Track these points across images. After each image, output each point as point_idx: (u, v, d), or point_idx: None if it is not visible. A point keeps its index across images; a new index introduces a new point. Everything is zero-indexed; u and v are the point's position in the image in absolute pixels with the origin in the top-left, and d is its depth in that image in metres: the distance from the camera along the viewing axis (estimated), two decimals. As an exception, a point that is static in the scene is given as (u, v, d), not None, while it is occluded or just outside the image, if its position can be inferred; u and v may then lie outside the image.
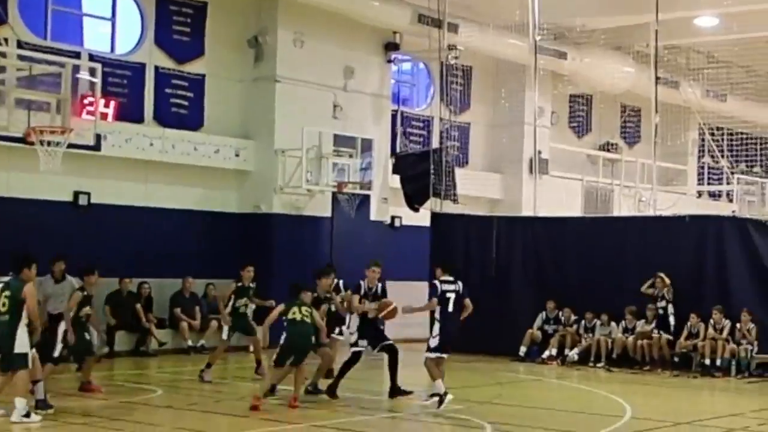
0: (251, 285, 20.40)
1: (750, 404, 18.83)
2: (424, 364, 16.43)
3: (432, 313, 16.89)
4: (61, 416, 15.15)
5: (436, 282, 16.78)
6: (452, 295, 16.59)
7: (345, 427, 14.97)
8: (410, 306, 17.23)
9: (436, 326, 16.59)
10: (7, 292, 14.83)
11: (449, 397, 16.05)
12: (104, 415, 15.39)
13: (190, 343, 24.84)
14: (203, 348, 24.66)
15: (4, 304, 14.76)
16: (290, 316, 16.63)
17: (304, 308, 16.74)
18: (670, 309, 23.78)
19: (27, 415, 14.51)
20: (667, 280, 23.69)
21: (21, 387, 14.67)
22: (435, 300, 16.58)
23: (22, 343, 14.66)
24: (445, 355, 16.64)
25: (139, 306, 24.41)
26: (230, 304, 20.05)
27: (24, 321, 14.74)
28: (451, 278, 16.81)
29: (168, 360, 23.36)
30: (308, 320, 16.67)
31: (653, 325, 23.95)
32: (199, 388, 18.93)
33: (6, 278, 15.11)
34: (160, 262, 25.25)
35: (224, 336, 20.11)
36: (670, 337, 23.72)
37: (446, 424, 15.67)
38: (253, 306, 20.97)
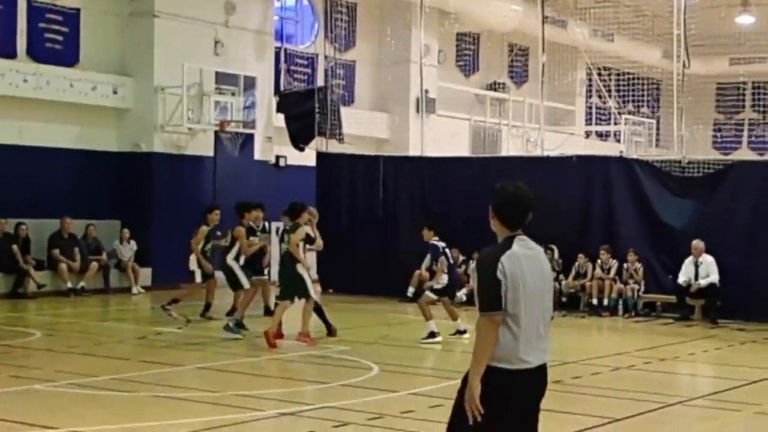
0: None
1: (636, 343, 18.99)
2: (421, 302, 18.21)
3: None
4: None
5: (436, 243, 18.55)
6: (447, 250, 18.70)
7: (231, 369, 14.62)
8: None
9: (444, 277, 18.58)
10: None
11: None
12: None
13: (69, 285, 24.18)
14: (83, 290, 24.11)
15: None
16: None
17: None
18: None
19: None
20: None
21: None
22: (443, 258, 18.51)
23: None
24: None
25: (15, 247, 23.73)
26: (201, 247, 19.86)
27: None
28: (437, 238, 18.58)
29: (47, 302, 22.76)
30: None
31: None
32: (78, 331, 18.45)
33: None
34: (37, 203, 24.45)
35: (199, 280, 19.98)
36: None
37: (333, 365, 15.46)
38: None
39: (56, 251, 24.45)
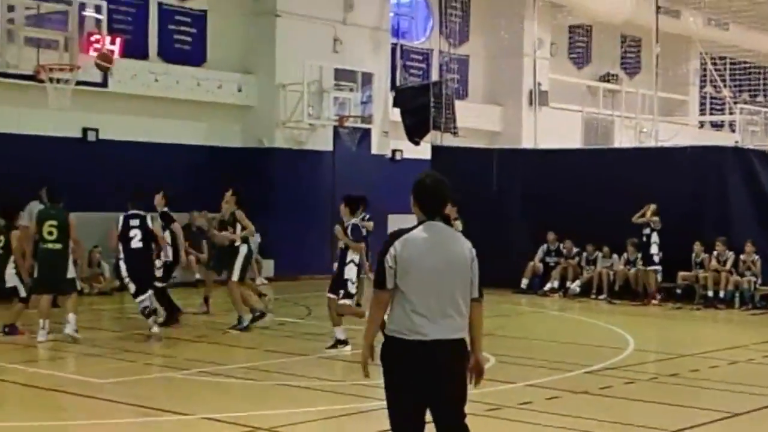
0: None
1: (753, 336, 18.80)
2: (338, 309, 15.52)
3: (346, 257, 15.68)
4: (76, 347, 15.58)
5: (357, 222, 15.87)
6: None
7: (352, 359, 15.15)
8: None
9: (354, 270, 15.53)
10: (53, 221, 15.91)
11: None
12: (116, 347, 15.66)
13: (198, 276, 24.94)
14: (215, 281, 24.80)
15: (50, 233, 15.80)
16: None
17: None
18: (654, 238, 23.82)
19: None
20: (652, 206, 23.66)
21: (72, 307, 16.01)
22: (363, 243, 15.90)
23: (71, 269, 16.18)
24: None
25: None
26: None
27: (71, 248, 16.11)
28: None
29: (177, 293, 23.25)
30: None
31: (638, 255, 24.09)
32: (205, 321, 19.14)
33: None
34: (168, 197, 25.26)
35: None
36: (656, 267, 23.84)
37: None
38: None
39: (185, 244, 25.15)
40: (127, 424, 10.74)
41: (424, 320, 6.82)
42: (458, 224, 17.29)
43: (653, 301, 23.40)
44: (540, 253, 25.71)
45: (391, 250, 6.89)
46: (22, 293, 16.57)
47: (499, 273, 25.30)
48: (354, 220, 15.85)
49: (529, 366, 14.79)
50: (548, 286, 25.12)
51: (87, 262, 23.02)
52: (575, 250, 25.23)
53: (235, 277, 17.76)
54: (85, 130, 24.70)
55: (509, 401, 11.93)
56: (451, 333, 6.89)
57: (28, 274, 16.60)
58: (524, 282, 25.45)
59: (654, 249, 23.70)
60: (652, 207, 23.59)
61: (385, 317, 7.01)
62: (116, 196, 22.37)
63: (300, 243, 26.76)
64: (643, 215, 23.75)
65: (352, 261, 15.52)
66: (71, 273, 16.31)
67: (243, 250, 18.01)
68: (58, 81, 19.94)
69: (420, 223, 7.02)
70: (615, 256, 24.64)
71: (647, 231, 23.81)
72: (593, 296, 24.35)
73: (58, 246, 16.03)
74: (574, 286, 24.74)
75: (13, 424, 10.55)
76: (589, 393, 12.72)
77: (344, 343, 15.45)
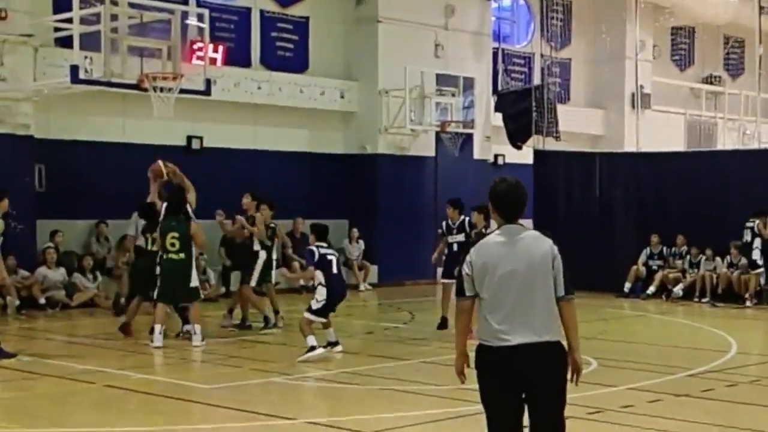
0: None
1: None
2: (300, 321, 15.48)
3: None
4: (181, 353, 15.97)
5: (313, 248, 15.43)
6: (333, 258, 15.41)
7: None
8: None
9: (322, 291, 15.26)
10: (175, 233, 16.51)
11: (320, 351, 15.25)
12: (223, 353, 16.00)
13: (302, 282, 25.19)
14: (313, 287, 25.01)
15: (173, 245, 16.40)
16: None
17: None
18: (756, 243, 23.62)
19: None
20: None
21: (196, 315, 16.79)
22: (312, 268, 15.38)
23: (194, 277, 16.80)
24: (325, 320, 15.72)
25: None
26: None
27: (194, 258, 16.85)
28: (325, 244, 15.66)
29: (281, 299, 23.61)
30: None
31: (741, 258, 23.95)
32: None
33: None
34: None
35: None
36: (759, 271, 23.61)
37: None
38: None
39: (289, 250, 25.58)
40: (232, 428, 10.95)
41: (505, 325, 6.86)
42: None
43: (747, 304, 23.23)
44: (643, 257, 25.62)
45: (468, 257, 7.00)
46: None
47: (602, 277, 25.42)
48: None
49: (630, 369, 14.77)
50: (651, 289, 25.02)
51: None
52: (685, 248, 25.07)
53: (253, 282, 18.23)
54: (189, 138, 25.13)
55: (611, 404, 11.95)
56: (537, 336, 6.87)
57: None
58: (627, 286, 25.38)
59: (756, 254, 23.55)
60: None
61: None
62: (221, 203, 23.03)
63: (403, 248, 27.00)
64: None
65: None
66: (195, 282, 16.81)
67: (263, 255, 18.38)
68: (162, 90, 20.17)
69: (497, 228, 7.10)
70: (718, 259, 24.48)
71: (749, 236, 23.66)
72: (696, 300, 24.21)
73: (181, 256, 16.51)
74: (677, 289, 24.62)
75: (121, 430, 10.81)
76: (690, 396, 12.71)
77: None
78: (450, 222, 18.84)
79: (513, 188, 7.09)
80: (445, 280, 18.60)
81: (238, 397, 12.45)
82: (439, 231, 19.23)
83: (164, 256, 16.66)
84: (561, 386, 7.02)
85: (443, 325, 18.28)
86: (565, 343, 7.08)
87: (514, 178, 7.15)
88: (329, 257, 15.31)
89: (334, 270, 15.33)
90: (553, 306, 6.98)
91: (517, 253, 6.95)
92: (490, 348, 6.90)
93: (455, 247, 18.60)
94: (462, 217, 18.72)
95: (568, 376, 7.10)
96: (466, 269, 7.00)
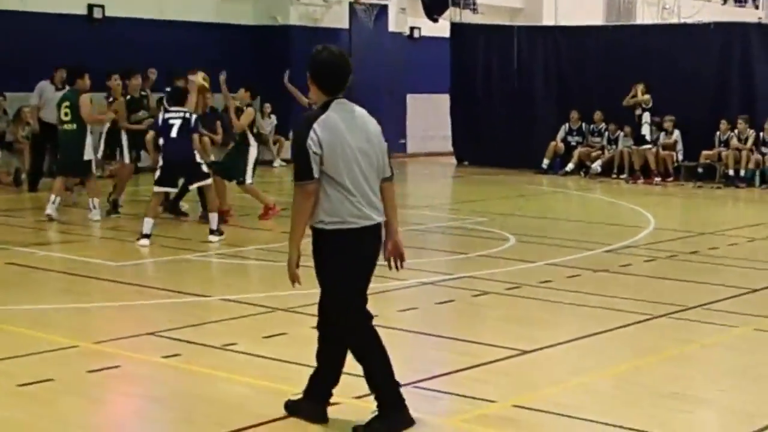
0: None
1: (774, 214, 18.73)
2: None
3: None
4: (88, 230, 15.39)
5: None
6: (176, 122, 14.52)
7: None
8: None
9: (160, 158, 14.74)
10: (66, 103, 16.01)
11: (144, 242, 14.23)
12: (133, 229, 15.43)
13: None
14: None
15: (66, 114, 15.94)
16: None
17: None
18: (645, 117, 23.50)
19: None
20: (640, 86, 23.36)
21: (93, 189, 16.36)
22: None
23: (88, 151, 16.16)
24: (171, 190, 15.25)
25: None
26: None
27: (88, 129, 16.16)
28: (178, 108, 14.75)
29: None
30: None
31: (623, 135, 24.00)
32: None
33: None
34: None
35: None
36: (648, 146, 23.60)
37: (470, 235, 15.68)
38: None
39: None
40: (143, 306, 10.59)
41: (363, 204, 6.50)
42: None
43: (656, 180, 23.25)
44: (562, 133, 25.36)
45: (312, 134, 6.39)
46: None
47: (521, 153, 25.29)
48: None
49: (549, 245, 14.67)
50: (569, 166, 24.79)
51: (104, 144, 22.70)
52: (603, 125, 24.83)
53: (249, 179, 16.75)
54: (90, 7, 24.17)
55: (529, 280, 11.85)
56: (380, 215, 6.64)
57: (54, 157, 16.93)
58: (545, 162, 25.17)
59: (645, 129, 23.44)
60: (640, 87, 23.33)
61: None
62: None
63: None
64: (634, 95, 23.50)
65: None
66: (88, 155, 16.25)
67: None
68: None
69: (326, 104, 6.53)
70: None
71: (638, 111, 23.53)
72: (614, 176, 24.04)
73: (73, 126, 16.05)
74: (596, 165, 24.43)
75: (26, 308, 10.42)
76: (609, 271, 12.65)
77: None
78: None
79: (337, 57, 6.56)
80: None
81: (148, 274, 12.17)
82: None
83: (58, 128, 16.30)
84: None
85: None
86: None
87: (337, 48, 6.63)
88: (171, 121, 14.53)
89: (172, 134, 14.46)
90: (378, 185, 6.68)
91: (358, 129, 6.55)
92: (351, 231, 6.50)
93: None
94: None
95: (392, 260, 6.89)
96: (313, 147, 6.41)
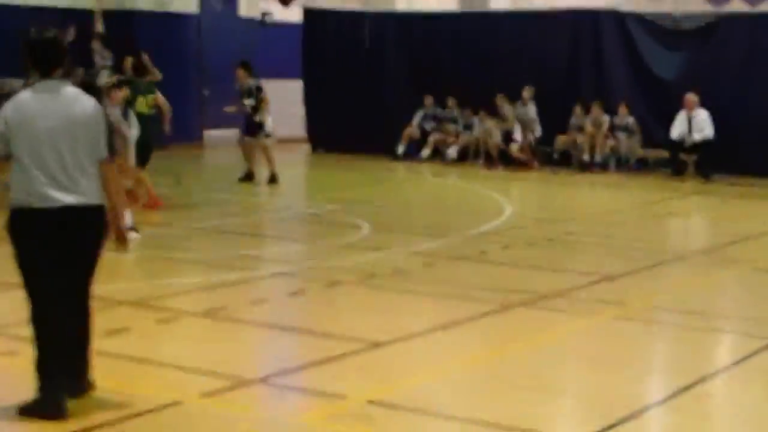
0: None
1: (629, 199, 18.92)
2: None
3: None
4: None
5: None
6: None
7: (223, 230, 14.63)
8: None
9: None
10: None
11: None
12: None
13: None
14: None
15: None
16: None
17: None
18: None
19: None
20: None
21: None
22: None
23: None
24: None
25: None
26: None
27: None
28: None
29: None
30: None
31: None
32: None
33: None
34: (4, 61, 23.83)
35: None
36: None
37: (322, 224, 15.40)
38: None
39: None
40: None
41: (49, 186, 6.48)
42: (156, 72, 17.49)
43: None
44: (417, 118, 25.14)
45: (1, 112, 6.56)
46: None
47: (375, 140, 24.99)
48: None
49: (404, 233, 14.45)
50: (425, 152, 24.59)
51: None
52: (456, 112, 24.67)
53: None
54: None
55: (384, 269, 11.59)
56: (82, 198, 6.58)
57: None
58: (401, 148, 24.89)
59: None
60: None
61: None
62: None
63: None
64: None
65: None
66: None
67: None
68: None
69: (34, 83, 6.66)
70: (490, 122, 24.07)
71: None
72: (470, 162, 23.90)
73: None
74: (451, 151, 24.26)
75: None
76: (465, 259, 12.44)
77: None
78: (237, 84, 19.70)
79: (50, 40, 6.68)
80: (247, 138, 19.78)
81: None
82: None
83: None
84: (95, 255, 6.80)
85: (249, 177, 19.41)
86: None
87: (53, 30, 6.76)
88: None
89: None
90: (95, 167, 6.68)
91: (57, 110, 6.56)
92: (31, 211, 6.52)
93: (248, 109, 19.53)
94: (252, 80, 19.63)
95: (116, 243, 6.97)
96: (1, 125, 6.52)
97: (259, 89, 19.63)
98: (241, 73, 19.65)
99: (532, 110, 23.52)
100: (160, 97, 16.77)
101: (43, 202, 6.48)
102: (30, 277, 6.63)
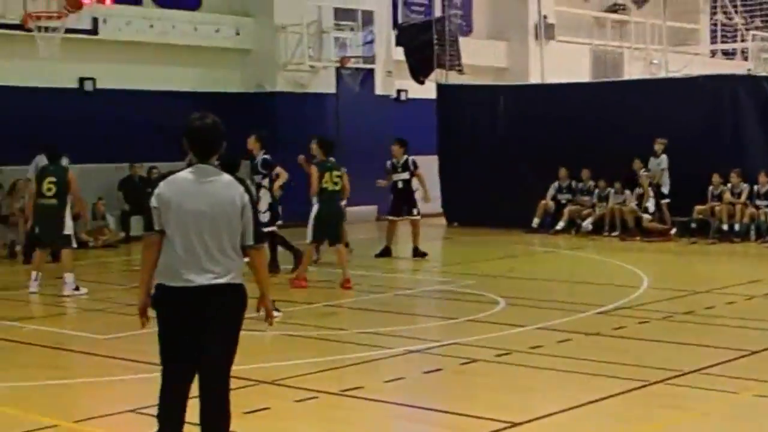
0: None
1: (770, 269, 18.46)
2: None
3: None
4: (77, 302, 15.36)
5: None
6: None
7: (359, 306, 14.89)
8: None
9: None
10: (52, 178, 15.83)
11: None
12: (120, 301, 15.17)
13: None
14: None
15: (49, 189, 15.77)
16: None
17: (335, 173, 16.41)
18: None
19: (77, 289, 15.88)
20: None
21: (68, 263, 15.93)
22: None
23: (68, 225, 16.01)
24: None
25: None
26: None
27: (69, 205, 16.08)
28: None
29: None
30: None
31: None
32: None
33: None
34: (168, 146, 24.68)
35: None
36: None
37: (459, 299, 15.45)
38: None
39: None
40: (126, 381, 10.40)
41: (187, 266, 6.68)
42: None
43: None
44: (551, 191, 25.18)
45: (156, 191, 6.80)
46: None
47: (510, 213, 25.05)
48: None
49: (539, 308, 14.46)
50: (560, 224, 24.56)
51: (92, 215, 22.64)
52: (591, 183, 24.64)
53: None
54: (81, 80, 24.25)
55: (519, 345, 11.57)
56: (217, 278, 6.72)
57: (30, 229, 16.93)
58: (535, 221, 24.96)
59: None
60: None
61: None
62: (118, 146, 22.36)
63: (303, 189, 26.18)
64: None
65: None
66: (68, 230, 16.13)
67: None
68: (47, 29, 19.37)
69: (188, 165, 6.84)
70: (627, 192, 24.01)
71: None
72: (606, 234, 23.80)
73: (54, 201, 15.91)
74: (586, 223, 24.21)
75: (14, 384, 10.22)
76: (601, 334, 12.36)
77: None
78: (394, 160, 20.10)
79: (209, 126, 6.89)
80: (392, 217, 20.30)
81: (133, 348, 11.64)
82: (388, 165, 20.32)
83: (38, 201, 16.11)
84: (232, 335, 6.89)
85: (386, 252, 19.94)
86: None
87: (212, 116, 6.95)
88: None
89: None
90: (238, 252, 6.84)
91: (205, 193, 6.76)
92: (168, 288, 6.74)
93: (400, 184, 20.10)
94: (406, 156, 20.06)
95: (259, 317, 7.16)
96: (154, 202, 6.79)
97: (415, 164, 20.18)
98: (396, 148, 20.15)
99: (664, 161, 23.37)
100: (345, 175, 16.91)
101: (177, 281, 6.67)
102: (162, 353, 6.85)
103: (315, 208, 16.34)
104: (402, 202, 20.21)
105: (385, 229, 20.76)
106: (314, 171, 16.51)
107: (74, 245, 16.59)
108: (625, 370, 10.32)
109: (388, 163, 20.29)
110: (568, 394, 9.51)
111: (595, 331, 12.49)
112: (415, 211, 20.17)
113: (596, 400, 9.21)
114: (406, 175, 20.11)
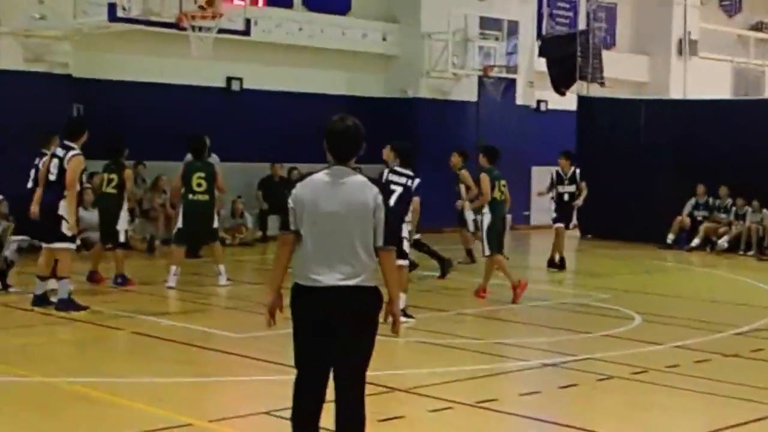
0: None
1: None
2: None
3: None
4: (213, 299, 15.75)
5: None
6: (397, 188, 13.85)
7: (492, 316, 15.11)
8: None
9: None
10: (201, 174, 16.41)
11: None
12: (256, 300, 15.56)
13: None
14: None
15: (199, 185, 16.31)
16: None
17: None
18: None
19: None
20: None
21: (220, 257, 16.85)
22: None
23: (216, 219, 16.88)
24: None
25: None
26: None
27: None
28: (402, 170, 14.23)
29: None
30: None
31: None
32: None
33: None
34: (309, 147, 25.27)
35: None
36: None
37: (593, 313, 15.49)
38: None
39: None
40: (261, 382, 10.59)
41: (317, 265, 6.75)
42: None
43: None
44: (688, 207, 25.14)
45: (294, 190, 6.92)
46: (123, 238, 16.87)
47: (645, 227, 25.07)
48: None
49: (675, 325, 14.42)
50: (695, 241, 24.53)
51: (230, 213, 23.29)
52: (729, 200, 24.56)
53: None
54: (229, 80, 24.94)
55: (656, 364, 11.59)
56: (347, 279, 6.74)
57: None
58: (670, 237, 24.94)
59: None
60: None
61: None
62: (260, 146, 22.93)
63: (443, 196, 26.54)
64: None
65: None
66: (216, 224, 16.84)
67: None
68: (200, 29, 19.90)
69: (326, 167, 6.93)
70: (765, 210, 23.90)
71: None
72: (741, 252, 23.72)
73: (206, 197, 16.45)
74: (722, 241, 24.14)
75: (149, 380, 10.44)
76: (740, 356, 12.31)
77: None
78: (562, 172, 20.67)
79: (349, 129, 6.94)
80: (558, 225, 20.57)
81: (269, 348, 11.76)
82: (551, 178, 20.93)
83: (188, 197, 16.51)
84: (365, 337, 6.90)
85: (562, 264, 20.39)
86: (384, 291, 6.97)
87: (352, 119, 6.98)
88: (392, 186, 13.70)
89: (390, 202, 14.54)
90: (369, 253, 6.83)
91: (338, 194, 6.80)
92: (301, 287, 6.80)
93: (566, 197, 20.64)
94: (573, 168, 20.50)
95: (386, 324, 7.04)
96: (290, 202, 6.90)
97: (581, 177, 20.63)
98: (563, 161, 20.66)
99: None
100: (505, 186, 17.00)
101: (308, 280, 6.75)
102: (295, 354, 6.93)
103: (487, 219, 16.36)
104: (569, 213, 20.85)
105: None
106: (486, 179, 16.47)
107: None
108: (763, 394, 10.27)
109: (553, 173, 20.85)
110: (705, 417, 9.55)
111: (733, 352, 12.41)
112: (572, 225, 20.81)
113: (735, 425, 9.17)
114: (572, 188, 20.67)
